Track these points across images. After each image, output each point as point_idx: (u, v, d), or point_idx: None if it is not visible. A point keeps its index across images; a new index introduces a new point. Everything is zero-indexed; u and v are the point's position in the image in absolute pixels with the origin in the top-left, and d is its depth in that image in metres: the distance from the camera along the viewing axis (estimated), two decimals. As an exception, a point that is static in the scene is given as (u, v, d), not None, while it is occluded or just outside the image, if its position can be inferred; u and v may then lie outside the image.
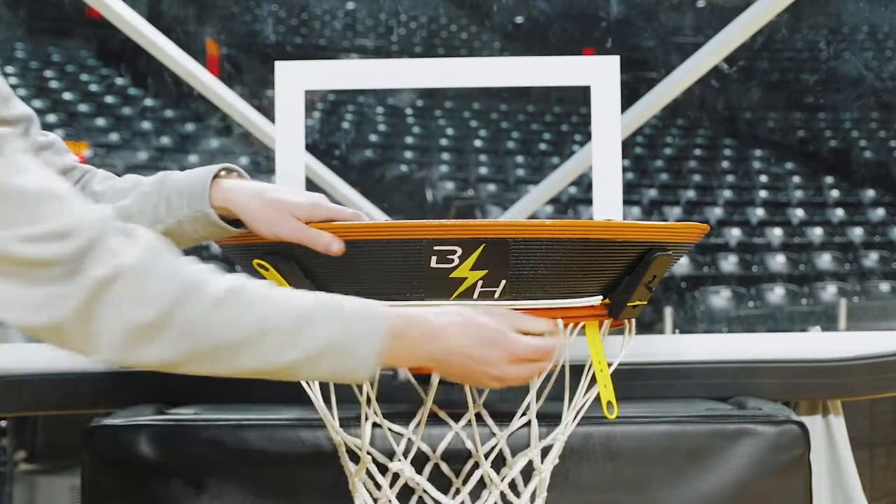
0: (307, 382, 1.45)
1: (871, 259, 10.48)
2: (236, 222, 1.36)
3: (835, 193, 11.75)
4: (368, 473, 1.49)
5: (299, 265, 1.33)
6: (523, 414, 1.54)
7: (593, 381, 1.47)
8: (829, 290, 9.58)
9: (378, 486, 1.50)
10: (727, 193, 11.68)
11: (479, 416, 1.57)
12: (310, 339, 1.11)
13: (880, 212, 11.36)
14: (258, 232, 1.33)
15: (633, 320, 1.47)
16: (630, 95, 2.10)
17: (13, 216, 0.98)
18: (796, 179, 12.07)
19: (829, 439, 1.89)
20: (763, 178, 12.07)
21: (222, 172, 1.37)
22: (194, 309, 1.05)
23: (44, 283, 0.99)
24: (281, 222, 1.32)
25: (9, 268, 0.98)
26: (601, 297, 1.39)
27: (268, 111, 2.12)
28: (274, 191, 1.34)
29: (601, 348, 1.39)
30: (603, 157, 1.85)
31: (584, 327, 1.40)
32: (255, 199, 1.33)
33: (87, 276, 1.00)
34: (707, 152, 12.56)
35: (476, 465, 1.55)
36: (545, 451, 1.52)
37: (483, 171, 11.58)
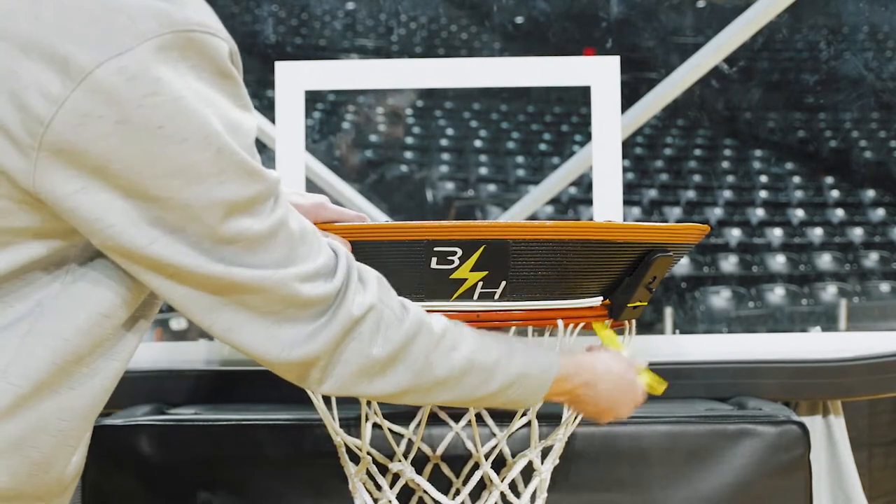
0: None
1: (872, 259, 10.47)
2: None
3: (835, 194, 11.74)
4: (368, 474, 1.49)
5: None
6: (523, 414, 1.54)
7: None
8: (830, 291, 9.57)
9: (378, 487, 1.50)
10: (727, 194, 11.67)
11: (479, 417, 1.57)
12: (503, 376, 1.17)
13: (880, 212, 11.35)
14: None
15: (634, 321, 1.47)
16: (630, 96, 2.10)
17: (292, 255, 1.01)
18: (796, 180, 12.05)
19: (830, 439, 1.89)
20: (763, 179, 12.06)
21: None
22: (422, 346, 1.10)
23: (308, 320, 1.03)
24: None
25: (275, 306, 1.01)
26: (601, 297, 1.39)
27: (268, 111, 2.12)
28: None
29: (615, 339, 1.41)
30: (603, 158, 1.85)
31: (585, 326, 1.41)
32: None
33: (346, 313, 1.04)
34: (707, 152, 12.55)
35: (476, 466, 1.55)
36: (545, 452, 1.52)
37: (483, 171, 11.57)
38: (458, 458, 1.58)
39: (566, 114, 12.63)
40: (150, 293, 1.05)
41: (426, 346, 1.10)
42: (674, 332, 7.60)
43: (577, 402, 1.30)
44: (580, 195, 9.64)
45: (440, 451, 1.58)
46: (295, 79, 1.86)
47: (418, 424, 1.52)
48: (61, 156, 0.90)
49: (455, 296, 1.31)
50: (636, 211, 10.57)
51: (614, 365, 1.33)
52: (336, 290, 1.04)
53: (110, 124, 0.89)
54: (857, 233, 11.03)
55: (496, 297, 1.32)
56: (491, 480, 1.51)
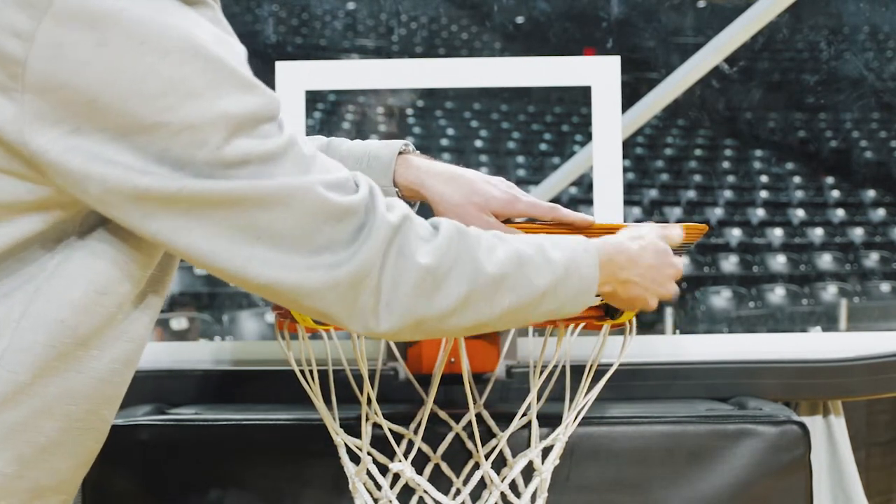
0: (308, 382, 1.45)
1: (872, 259, 10.47)
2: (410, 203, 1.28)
3: (835, 194, 11.74)
4: (369, 474, 1.49)
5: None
6: (524, 414, 1.54)
7: (593, 381, 1.47)
8: (830, 291, 9.57)
9: (378, 487, 1.50)
10: (728, 194, 11.67)
11: (479, 417, 1.57)
12: (554, 263, 1.09)
13: (881, 212, 11.35)
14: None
15: (634, 320, 1.47)
16: (630, 96, 2.10)
17: (310, 166, 0.94)
18: (797, 180, 12.06)
19: (830, 439, 1.89)
20: (764, 179, 12.06)
21: (404, 148, 1.31)
22: (466, 247, 1.03)
23: (345, 235, 0.95)
24: (473, 216, 1.26)
25: (308, 222, 0.93)
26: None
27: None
28: (470, 179, 1.28)
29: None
30: (603, 158, 1.85)
31: (586, 326, 1.41)
32: (451, 186, 1.27)
33: (382, 221, 0.97)
34: (708, 152, 12.55)
35: (476, 466, 1.55)
36: (546, 452, 1.52)
37: (484, 171, 11.55)
38: (458, 458, 1.58)
39: (566, 114, 12.63)
40: (158, 266, 0.99)
41: (469, 247, 1.03)
42: (674, 332, 7.60)
43: (624, 287, 1.20)
44: (580, 195, 9.64)
45: (440, 451, 1.58)
46: (295, 79, 1.86)
47: (418, 424, 1.53)
48: (46, 96, 0.85)
49: (455, 295, 1.30)
50: (637, 211, 10.57)
51: (644, 233, 1.24)
52: (364, 199, 0.97)
53: (89, 49, 0.84)
54: (858, 233, 11.03)
55: (496, 296, 1.31)
56: (491, 480, 1.51)
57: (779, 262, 10.25)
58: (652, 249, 1.22)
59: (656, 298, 1.25)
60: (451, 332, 1.06)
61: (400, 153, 1.30)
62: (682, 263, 1.28)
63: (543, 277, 1.08)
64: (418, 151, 1.33)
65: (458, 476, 1.57)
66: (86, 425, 1.00)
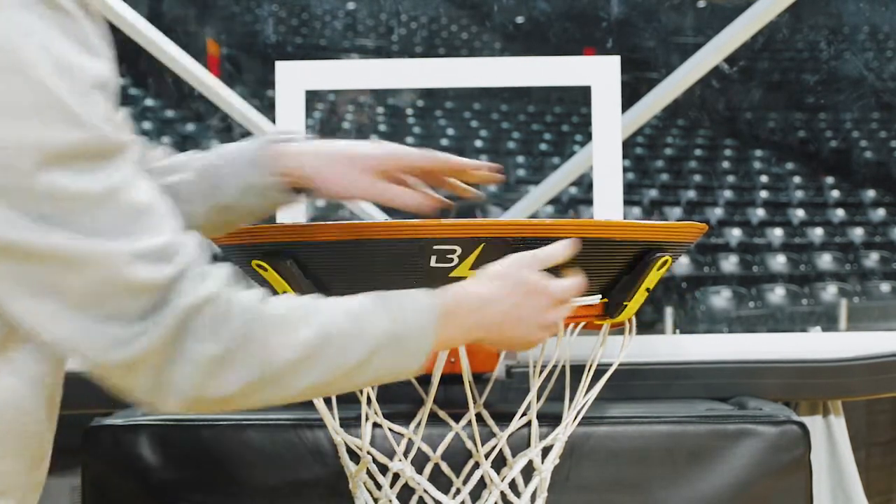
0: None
1: (872, 259, 10.47)
2: (299, 191, 1.25)
3: (835, 194, 11.74)
4: (369, 473, 1.49)
5: (298, 265, 1.33)
6: (524, 414, 1.54)
7: (593, 380, 1.47)
8: (830, 291, 9.57)
9: (378, 486, 1.50)
10: (728, 194, 11.67)
11: (479, 416, 1.57)
12: (370, 334, 1.02)
13: (881, 212, 11.35)
14: (333, 195, 1.24)
15: (634, 320, 1.47)
16: (630, 95, 2.09)
17: (127, 226, 0.87)
18: (797, 180, 12.06)
19: (830, 439, 1.89)
20: (763, 179, 12.07)
21: (277, 137, 1.25)
22: (261, 333, 0.96)
23: (133, 313, 0.88)
24: (352, 178, 1.22)
25: (97, 290, 0.87)
26: (599, 296, 1.39)
27: (268, 111, 2.12)
28: (343, 144, 1.25)
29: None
30: (603, 158, 1.85)
31: (586, 326, 1.41)
32: (324, 157, 1.23)
33: (179, 304, 0.90)
34: (707, 152, 12.55)
35: (476, 465, 1.55)
36: (545, 452, 1.52)
37: (483, 171, 11.57)
38: (458, 458, 1.58)
39: (566, 114, 12.63)
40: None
41: (265, 331, 0.96)
42: (674, 332, 7.60)
43: (485, 332, 1.12)
44: (580, 195, 9.64)
45: (440, 451, 1.58)
46: (295, 79, 1.86)
47: (418, 424, 1.53)
48: None
49: (455, 295, 1.31)
50: (636, 211, 10.57)
51: (500, 271, 1.13)
52: (171, 276, 0.89)
53: None
54: (858, 233, 11.03)
55: (496, 296, 1.31)
56: (491, 480, 1.51)
57: (779, 262, 10.25)
58: (511, 284, 1.13)
59: (539, 332, 1.16)
60: (240, 408, 1.01)
61: (274, 142, 1.24)
62: (562, 286, 1.17)
63: (355, 352, 1.01)
64: (299, 137, 1.27)
65: (458, 476, 1.57)
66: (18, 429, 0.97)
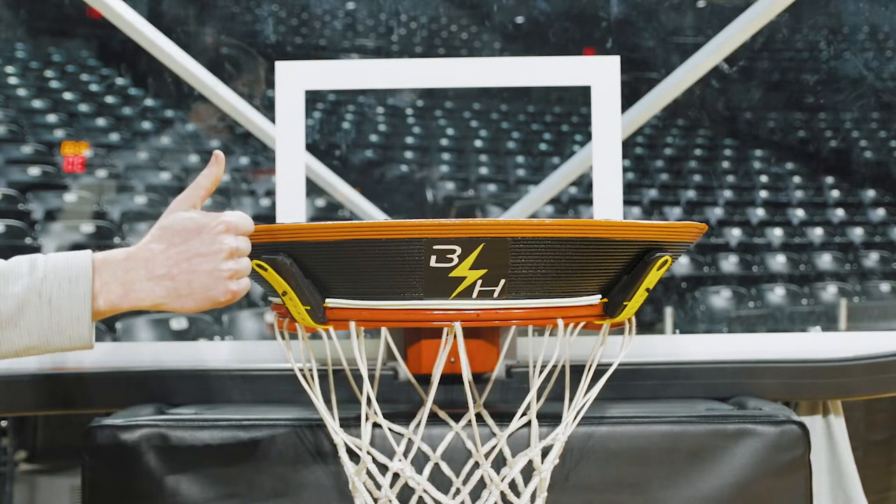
0: (307, 382, 1.45)
1: (872, 259, 10.47)
2: None
3: (835, 194, 11.74)
4: (368, 473, 1.49)
5: (298, 265, 1.33)
6: (523, 414, 1.54)
7: (593, 380, 1.48)
8: (830, 291, 9.57)
9: (378, 486, 1.50)
10: (727, 193, 11.67)
11: (479, 416, 1.57)
12: (8, 298, 1.00)
13: (881, 212, 11.35)
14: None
15: (634, 320, 1.48)
16: (630, 95, 2.10)
17: None
18: (797, 180, 12.06)
19: (830, 439, 1.89)
20: (763, 179, 12.06)
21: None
22: None
23: None
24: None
25: None
26: (599, 296, 1.39)
27: (268, 111, 2.12)
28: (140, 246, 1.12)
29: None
30: (603, 158, 1.85)
31: (586, 326, 1.41)
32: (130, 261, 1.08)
33: None
34: (707, 152, 12.55)
35: (476, 465, 1.55)
36: (545, 451, 1.52)
37: (483, 171, 11.56)
38: (458, 458, 1.58)
39: (566, 114, 12.63)
40: None
41: None
42: (674, 332, 7.60)
43: (164, 293, 1.04)
44: (580, 195, 9.64)
45: (440, 451, 1.58)
46: (295, 79, 1.86)
47: (418, 424, 1.53)
48: None
49: (454, 294, 1.31)
50: (636, 211, 10.56)
51: (160, 224, 1.06)
52: None
53: None
54: (858, 233, 11.03)
55: (495, 294, 1.32)
56: (491, 480, 1.51)
57: (779, 261, 10.25)
58: (172, 231, 1.05)
59: (221, 284, 1.08)
60: None
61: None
62: (227, 217, 1.09)
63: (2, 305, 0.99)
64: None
65: (457, 476, 1.57)
66: None
